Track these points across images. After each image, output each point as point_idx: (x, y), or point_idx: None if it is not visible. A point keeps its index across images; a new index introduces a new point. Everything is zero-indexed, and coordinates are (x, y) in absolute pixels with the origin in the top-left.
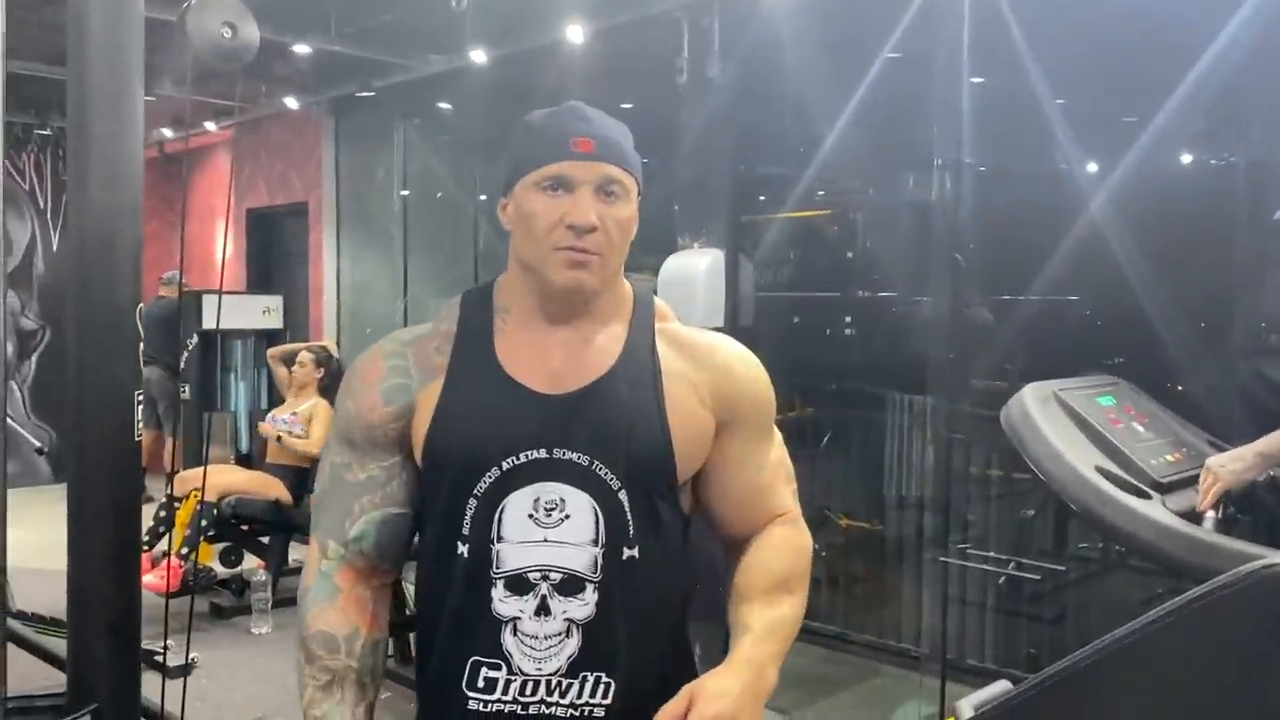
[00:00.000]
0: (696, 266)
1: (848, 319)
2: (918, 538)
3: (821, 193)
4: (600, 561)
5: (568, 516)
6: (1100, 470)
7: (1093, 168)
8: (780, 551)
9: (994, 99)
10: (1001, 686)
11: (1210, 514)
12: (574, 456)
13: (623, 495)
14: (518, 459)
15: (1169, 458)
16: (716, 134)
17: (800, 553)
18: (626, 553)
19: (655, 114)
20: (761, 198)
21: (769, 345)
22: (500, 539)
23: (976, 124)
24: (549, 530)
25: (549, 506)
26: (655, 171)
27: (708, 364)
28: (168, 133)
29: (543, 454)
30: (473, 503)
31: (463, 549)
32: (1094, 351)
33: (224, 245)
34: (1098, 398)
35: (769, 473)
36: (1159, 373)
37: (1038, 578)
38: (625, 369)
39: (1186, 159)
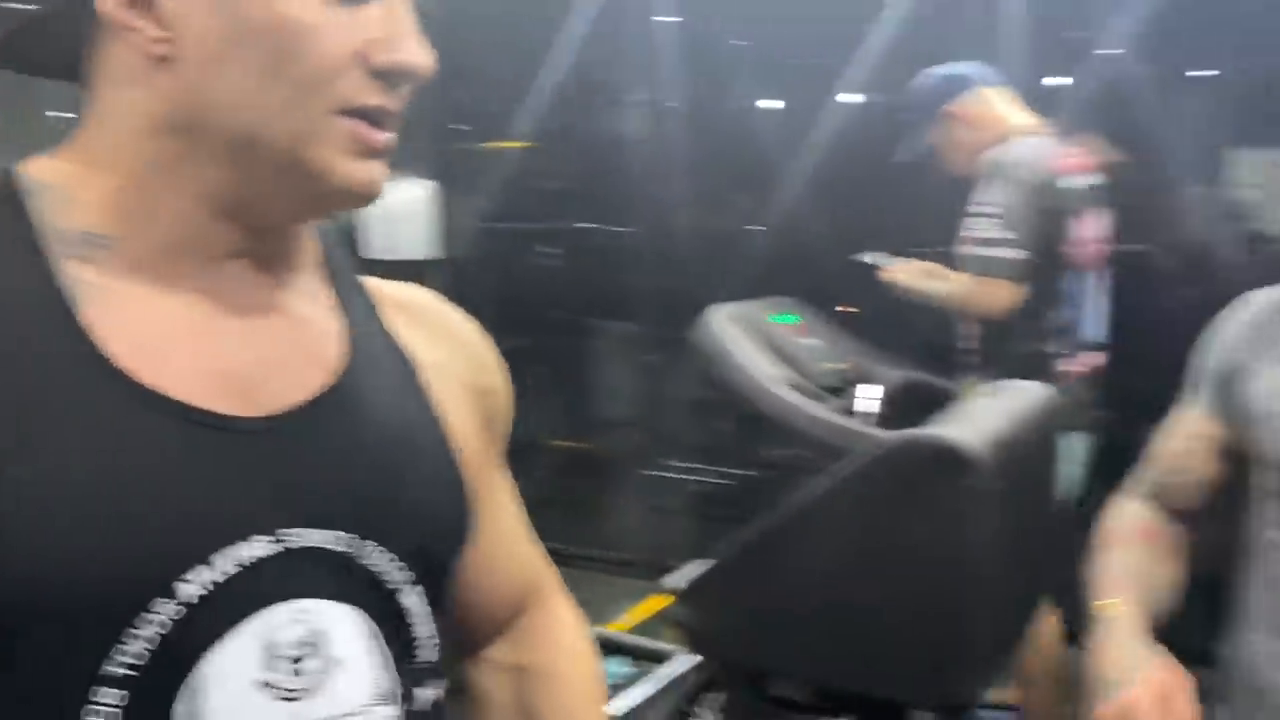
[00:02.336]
0: (408, 198)
1: (557, 250)
2: (625, 454)
3: (531, 125)
4: None
5: (336, 661)
6: (781, 379)
7: (776, 105)
8: (586, 687)
9: (690, 39)
10: (707, 563)
11: (871, 413)
12: (325, 539)
13: (413, 596)
14: (209, 570)
15: (838, 367)
16: None
17: (599, 681)
18: (428, 694)
19: None
20: (472, 128)
21: (481, 277)
22: None
23: (673, 63)
24: (302, 701)
25: (296, 653)
26: None
27: (458, 344)
28: None
29: (264, 545)
30: (109, 696)
31: None
32: (779, 277)
33: None
34: (776, 317)
35: (521, 519)
36: (830, 295)
37: (733, 483)
38: (366, 361)
39: (858, 99)
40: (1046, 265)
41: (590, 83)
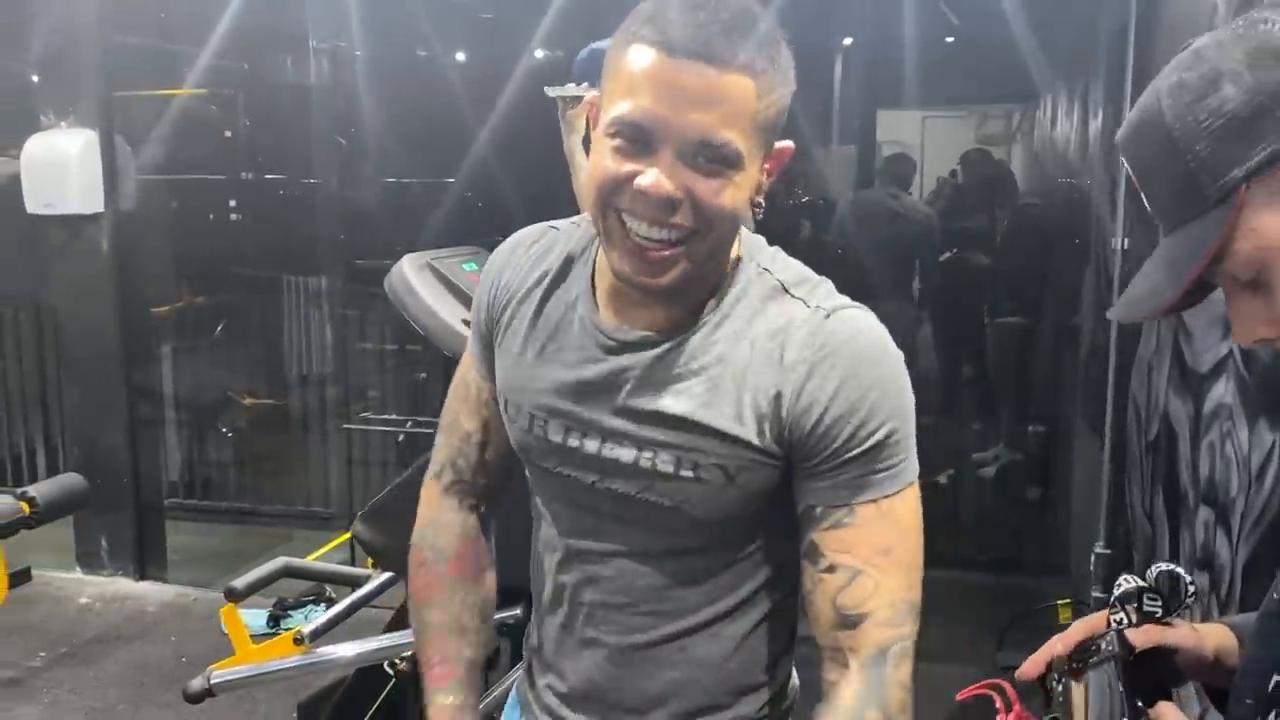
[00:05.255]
0: (67, 148)
1: (233, 202)
2: (321, 409)
3: (201, 70)
4: None
5: None
6: (465, 321)
7: (467, 57)
8: None
9: None
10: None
11: None
12: None
13: None
14: None
15: None
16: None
17: None
18: None
19: None
20: (136, 73)
21: (154, 232)
22: None
23: (357, 9)
24: None
25: None
26: (1, 41)
27: None
28: None
29: None
30: None
31: None
32: (473, 227)
33: None
34: (463, 264)
35: None
36: None
37: (433, 432)
38: None
39: (540, 54)
40: None
41: (269, 27)
